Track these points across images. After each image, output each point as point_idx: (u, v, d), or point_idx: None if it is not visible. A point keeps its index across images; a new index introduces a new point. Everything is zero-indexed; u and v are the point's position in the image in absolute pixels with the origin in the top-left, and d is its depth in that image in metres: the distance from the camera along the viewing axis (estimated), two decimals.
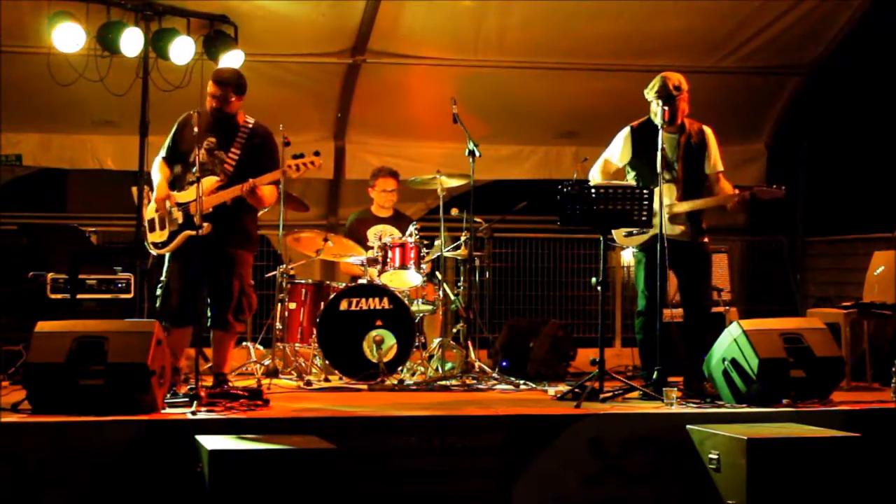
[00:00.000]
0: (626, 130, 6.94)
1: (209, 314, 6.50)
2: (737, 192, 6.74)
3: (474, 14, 9.14)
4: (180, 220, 6.43)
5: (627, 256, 10.83)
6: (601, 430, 5.67)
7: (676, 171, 6.77)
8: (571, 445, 5.62)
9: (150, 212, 6.58)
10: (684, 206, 6.75)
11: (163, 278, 6.54)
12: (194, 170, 6.25)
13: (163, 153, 6.65)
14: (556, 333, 8.30)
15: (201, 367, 6.18)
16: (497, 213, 8.50)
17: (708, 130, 6.93)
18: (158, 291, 6.56)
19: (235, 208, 6.43)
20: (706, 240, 6.91)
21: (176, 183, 6.56)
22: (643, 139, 6.82)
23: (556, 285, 10.52)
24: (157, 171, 6.60)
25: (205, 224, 6.18)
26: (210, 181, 6.39)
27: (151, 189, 6.73)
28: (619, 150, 6.94)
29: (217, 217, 6.27)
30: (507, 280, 10.40)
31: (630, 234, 6.82)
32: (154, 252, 6.58)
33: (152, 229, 6.54)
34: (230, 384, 6.57)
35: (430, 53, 9.46)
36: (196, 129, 6.25)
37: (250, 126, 6.56)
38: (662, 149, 6.59)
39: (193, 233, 6.28)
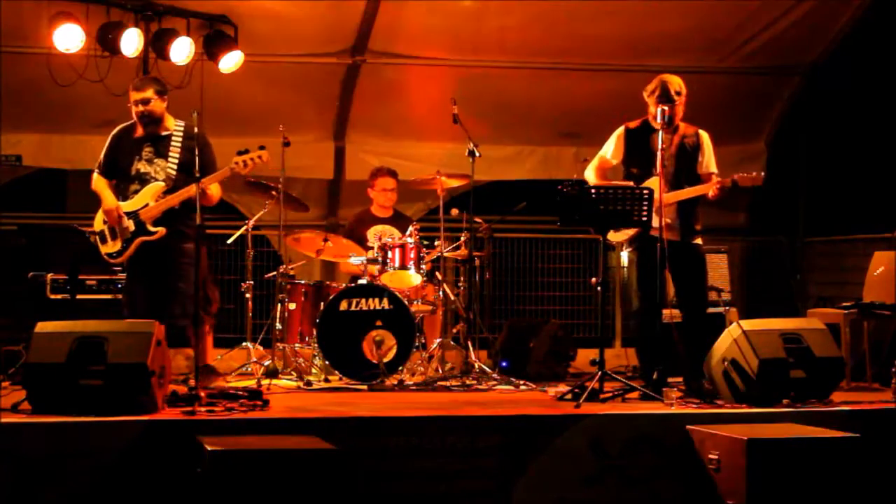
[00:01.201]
0: (621, 129, 6.98)
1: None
2: (717, 179, 6.72)
3: (474, 14, 9.13)
4: (132, 229, 6.64)
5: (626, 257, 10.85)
6: (601, 430, 5.67)
7: (667, 167, 6.78)
8: (571, 445, 5.62)
9: (97, 224, 6.76)
10: (668, 197, 6.74)
11: (124, 285, 6.83)
12: (148, 174, 6.54)
13: (100, 169, 6.84)
14: (556, 333, 8.29)
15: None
16: (497, 214, 8.50)
17: (704, 134, 6.93)
18: (122, 298, 6.81)
19: (183, 209, 6.62)
20: (699, 241, 6.90)
21: (118, 194, 6.74)
22: (637, 139, 6.84)
23: (556, 285, 10.53)
24: (99, 185, 6.79)
25: (157, 229, 6.55)
26: (156, 187, 6.62)
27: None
28: (612, 147, 6.99)
29: (168, 220, 6.53)
30: (507, 280, 10.40)
31: (619, 230, 6.82)
32: (110, 261, 6.79)
33: (103, 241, 6.74)
34: (221, 375, 6.84)
35: (430, 53, 9.46)
36: (194, 129, 6.42)
37: (181, 128, 6.74)
38: (656, 147, 6.59)
39: (147, 238, 6.59)
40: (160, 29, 8.50)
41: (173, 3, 8.54)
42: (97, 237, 6.74)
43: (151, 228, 6.58)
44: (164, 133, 6.71)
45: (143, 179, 6.67)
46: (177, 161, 6.67)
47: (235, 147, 6.88)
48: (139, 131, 6.75)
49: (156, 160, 6.67)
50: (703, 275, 7.04)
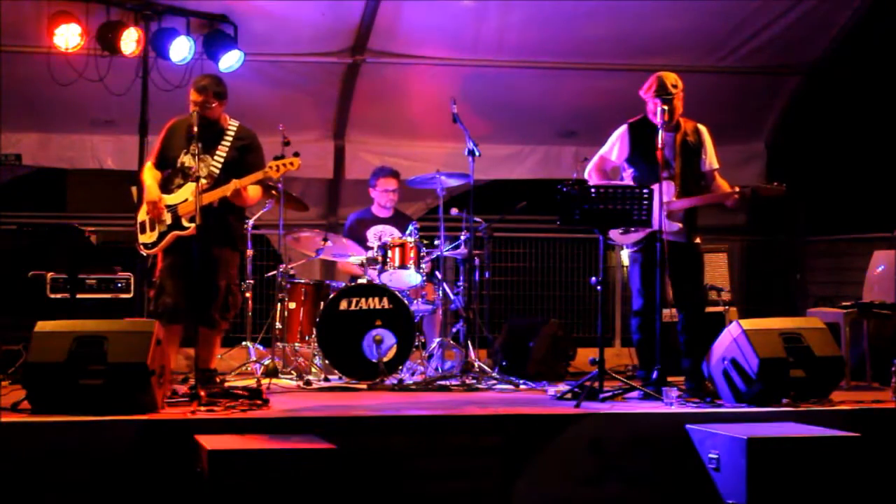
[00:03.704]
0: (624, 128, 6.95)
1: (196, 311, 6.57)
2: (737, 188, 6.75)
3: (474, 14, 9.13)
4: (168, 222, 6.61)
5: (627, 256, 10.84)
6: (601, 430, 5.68)
7: (674, 168, 6.79)
8: (571, 445, 5.62)
9: (141, 214, 6.76)
10: (682, 203, 6.75)
11: (155, 278, 6.73)
12: (191, 169, 6.46)
13: (153, 159, 6.84)
14: (556, 333, 8.29)
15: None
16: (497, 213, 8.50)
17: (703, 129, 6.94)
18: (152, 290, 6.74)
19: (222, 210, 6.58)
20: (698, 240, 6.91)
21: (163, 186, 6.73)
22: (641, 137, 6.83)
23: (556, 285, 10.53)
24: (146, 176, 6.79)
25: (190, 225, 6.43)
26: (195, 184, 6.48)
27: (140, 192, 6.96)
28: (616, 147, 6.96)
29: (204, 218, 6.32)
30: (507, 280, 10.40)
31: (627, 232, 6.82)
32: (144, 252, 6.77)
33: (143, 231, 6.73)
34: (221, 377, 6.75)
35: (430, 53, 9.46)
36: (193, 130, 6.40)
37: (234, 128, 6.76)
38: (660, 148, 6.59)
39: (181, 233, 6.54)
40: (160, 28, 8.50)
41: (173, 3, 8.53)
42: (138, 227, 6.74)
43: (185, 224, 6.53)
44: (216, 131, 6.67)
45: (186, 174, 6.63)
46: (222, 160, 6.64)
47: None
48: (193, 126, 6.59)
49: (202, 156, 6.57)
50: (701, 273, 7.06)
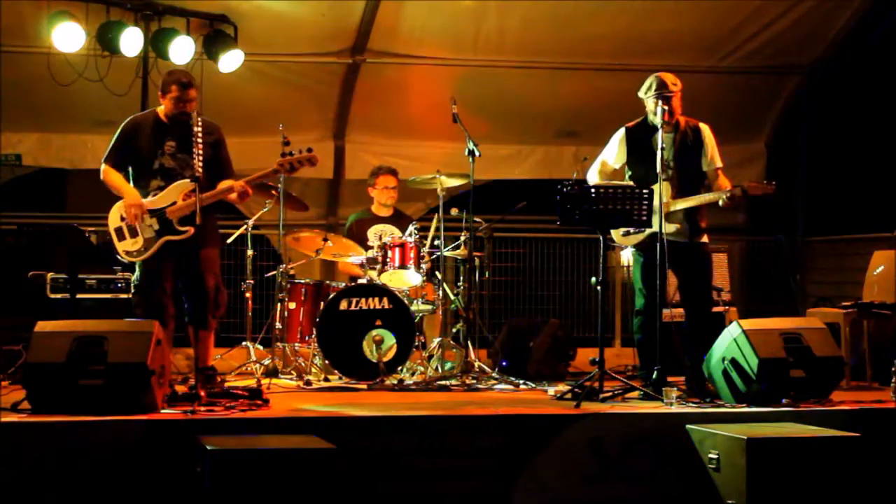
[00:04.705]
0: (622, 132, 6.97)
1: (185, 312, 6.52)
2: (728, 187, 6.74)
3: (474, 14, 9.14)
4: (156, 227, 6.40)
5: (627, 256, 10.85)
6: (601, 430, 5.67)
7: (671, 168, 6.79)
8: (571, 445, 5.62)
9: (114, 220, 6.48)
10: (678, 204, 6.75)
11: (135, 281, 6.55)
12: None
13: (111, 160, 6.53)
14: (556, 333, 8.30)
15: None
16: (497, 213, 8.50)
17: (704, 127, 6.93)
18: (133, 296, 6.57)
19: (206, 208, 6.27)
20: (705, 239, 6.91)
21: (140, 189, 6.50)
22: (639, 139, 6.84)
23: (556, 285, 10.53)
24: (117, 180, 6.49)
25: (186, 228, 6.31)
26: (184, 185, 6.37)
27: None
28: (614, 151, 6.97)
29: (192, 218, 6.16)
30: (507, 280, 10.40)
31: (628, 234, 6.84)
32: (127, 260, 6.51)
33: (121, 238, 6.45)
34: (221, 377, 6.72)
35: (430, 53, 9.46)
36: (196, 128, 6.21)
37: (200, 123, 6.37)
38: (661, 148, 6.60)
39: (174, 237, 6.36)
40: (160, 28, 8.51)
41: (173, 3, 8.54)
42: (113, 233, 6.47)
43: (179, 228, 6.34)
44: (186, 129, 6.30)
45: (168, 175, 6.41)
46: (202, 158, 6.27)
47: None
48: (160, 124, 6.49)
49: (179, 155, 6.41)
50: (709, 273, 7.04)
